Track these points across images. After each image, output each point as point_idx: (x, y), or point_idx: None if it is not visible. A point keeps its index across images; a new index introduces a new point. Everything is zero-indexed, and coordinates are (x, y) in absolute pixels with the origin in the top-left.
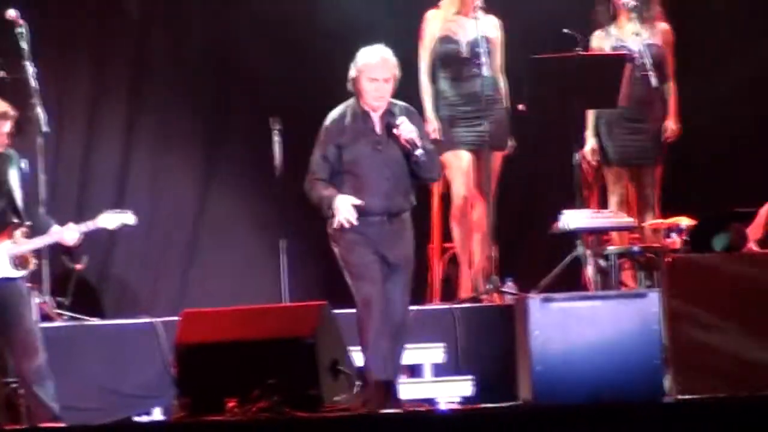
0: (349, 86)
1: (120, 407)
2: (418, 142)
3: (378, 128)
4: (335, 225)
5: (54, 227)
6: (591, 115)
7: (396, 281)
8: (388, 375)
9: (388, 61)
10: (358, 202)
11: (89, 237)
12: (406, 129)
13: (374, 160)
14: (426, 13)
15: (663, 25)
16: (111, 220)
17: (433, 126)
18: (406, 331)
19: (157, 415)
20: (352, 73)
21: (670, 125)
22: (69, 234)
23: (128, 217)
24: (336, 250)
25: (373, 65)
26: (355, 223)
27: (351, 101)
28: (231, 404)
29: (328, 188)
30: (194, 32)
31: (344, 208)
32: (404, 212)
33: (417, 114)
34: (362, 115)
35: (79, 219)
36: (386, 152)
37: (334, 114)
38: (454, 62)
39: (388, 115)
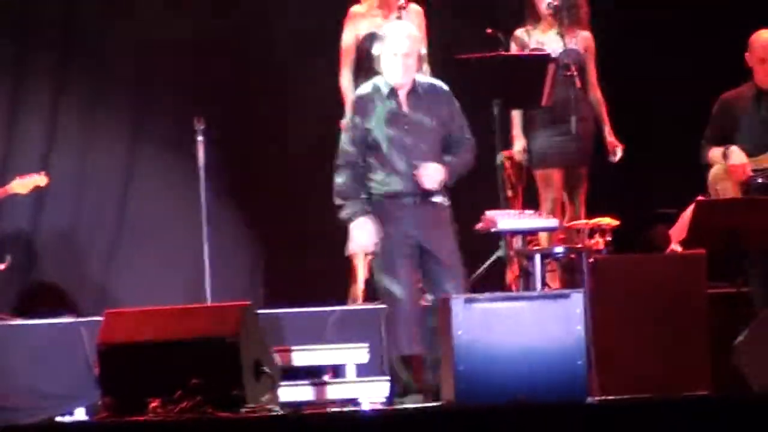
0: (375, 65)
1: (43, 407)
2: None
3: (405, 107)
4: (346, 251)
5: None
6: (518, 115)
7: (447, 284)
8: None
9: (410, 36)
10: (375, 237)
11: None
12: (428, 182)
13: (401, 140)
14: (350, 9)
15: (585, 33)
16: (23, 185)
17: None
18: None
19: (80, 415)
20: (377, 50)
21: (617, 147)
22: None
23: (40, 179)
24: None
25: (394, 40)
26: (371, 250)
27: (378, 78)
28: (154, 404)
29: (357, 193)
30: (116, 38)
31: (361, 236)
32: (436, 195)
33: (448, 94)
34: (389, 93)
35: None
36: (413, 133)
37: (360, 90)
38: None
39: (414, 95)
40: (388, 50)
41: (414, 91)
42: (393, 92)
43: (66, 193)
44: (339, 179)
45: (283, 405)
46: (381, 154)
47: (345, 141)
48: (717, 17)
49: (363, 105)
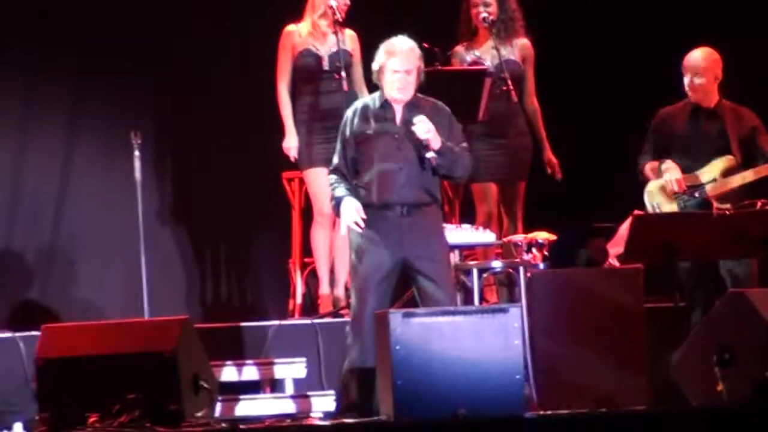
0: (374, 78)
1: None
2: (433, 145)
3: (398, 119)
4: (341, 231)
5: None
6: None
7: (435, 300)
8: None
9: (411, 53)
10: (362, 214)
11: None
12: (420, 129)
13: (390, 150)
14: (285, 27)
15: (523, 41)
16: None
17: (292, 143)
18: None
19: (18, 429)
20: (375, 65)
21: (552, 160)
22: None
23: None
24: (350, 253)
25: (395, 57)
26: (362, 224)
27: (377, 93)
28: (92, 419)
29: (341, 186)
30: (54, 46)
31: (349, 213)
32: (424, 205)
33: (447, 112)
34: (385, 106)
35: None
36: (404, 143)
37: (357, 103)
38: (315, 77)
39: (411, 108)
40: (390, 66)
41: (411, 104)
42: (388, 104)
43: (1, 206)
44: (331, 178)
45: (221, 419)
46: (367, 165)
47: (336, 154)
48: (655, 35)
49: (353, 118)
